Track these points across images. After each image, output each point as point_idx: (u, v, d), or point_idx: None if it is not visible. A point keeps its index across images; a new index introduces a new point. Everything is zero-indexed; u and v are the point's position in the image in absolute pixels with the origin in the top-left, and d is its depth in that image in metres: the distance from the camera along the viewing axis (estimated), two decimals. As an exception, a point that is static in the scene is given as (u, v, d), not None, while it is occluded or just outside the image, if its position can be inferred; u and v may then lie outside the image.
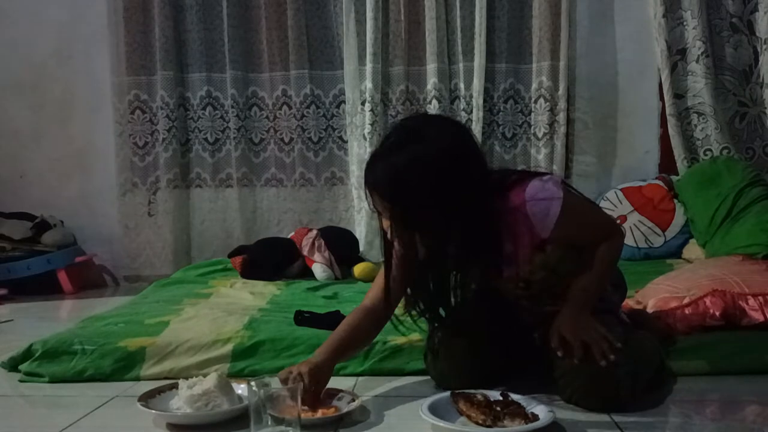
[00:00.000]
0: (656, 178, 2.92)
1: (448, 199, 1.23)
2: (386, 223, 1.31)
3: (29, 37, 3.19)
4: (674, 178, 2.92)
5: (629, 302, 1.72)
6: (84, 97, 3.19)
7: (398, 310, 1.45)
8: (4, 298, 2.74)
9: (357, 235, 2.95)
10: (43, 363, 1.57)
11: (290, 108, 3.11)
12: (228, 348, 1.58)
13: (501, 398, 1.21)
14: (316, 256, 2.59)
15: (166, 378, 1.50)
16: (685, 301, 1.66)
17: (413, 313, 1.42)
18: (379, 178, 1.27)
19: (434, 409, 1.18)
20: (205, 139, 3.15)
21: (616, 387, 1.25)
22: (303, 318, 1.77)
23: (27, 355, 1.61)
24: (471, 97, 3.01)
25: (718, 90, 2.93)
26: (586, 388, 1.27)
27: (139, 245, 3.16)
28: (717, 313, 1.62)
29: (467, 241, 1.28)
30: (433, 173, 1.22)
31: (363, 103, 3.04)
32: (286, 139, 3.13)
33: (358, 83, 3.05)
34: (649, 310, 1.68)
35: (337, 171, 3.15)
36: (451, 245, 1.30)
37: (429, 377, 1.46)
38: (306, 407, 1.22)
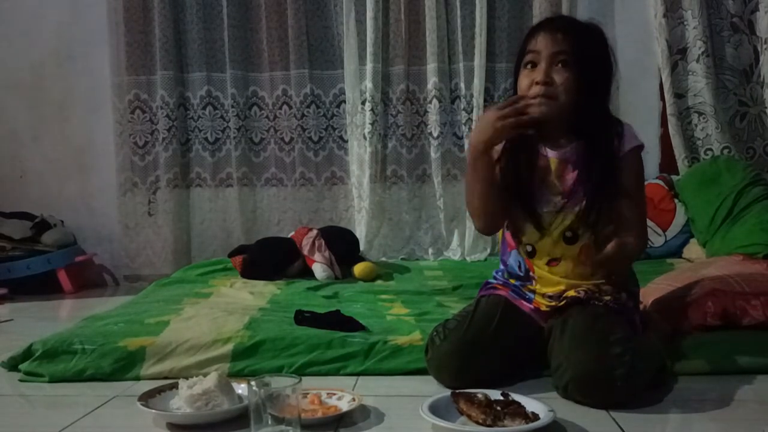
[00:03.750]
0: (657, 178, 2.92)
1: (609, 74, 1.46)
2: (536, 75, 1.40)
3: (29, 37, 3.20)
4: (675, 177, 2.92)
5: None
6: (84, 96, 3.20)
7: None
8: (4, 298, 2.74)
9: (357, 235, 2.95)
10: (43, 363, 1.57)
11: (290, 107, 3.11)
12: (228, 348, 1.58)
13: (501, 398, 1.21)
14: (317, 256, 2.59)
15: (166, 378, 1.50)
16: (686, 300, 1.66)
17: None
18: (576, 21, 1.52)
19: (435, 409, 1.18)
20: (205, 139, 3.15)
21: (611, 379, 1.25)
22: (303, 317, 1.77)
23: (27, 354, 1.60)
24: (471, 96, 3.01)
25: (719, 89, 2.93)
26: (580, 379, 1.28)
27: (139, 245, 3.16)
28: (717, 313, 1.62)
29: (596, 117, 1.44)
30: (610, 52, 1.47)
31: (363, 103, 3.05)
32: (287, 139, 3.13)
33: (358, 83, 3.05)
34: (650, 309, 1.68)
35: (337, 170, 3.16)
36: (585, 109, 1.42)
37: (429, 376, 1.46)
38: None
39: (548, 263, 1.48)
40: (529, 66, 1.43)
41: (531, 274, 1.51)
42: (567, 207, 1.45)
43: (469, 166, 1.46)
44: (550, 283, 1.49)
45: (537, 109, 1.40)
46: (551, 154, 1.47)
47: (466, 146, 3.03)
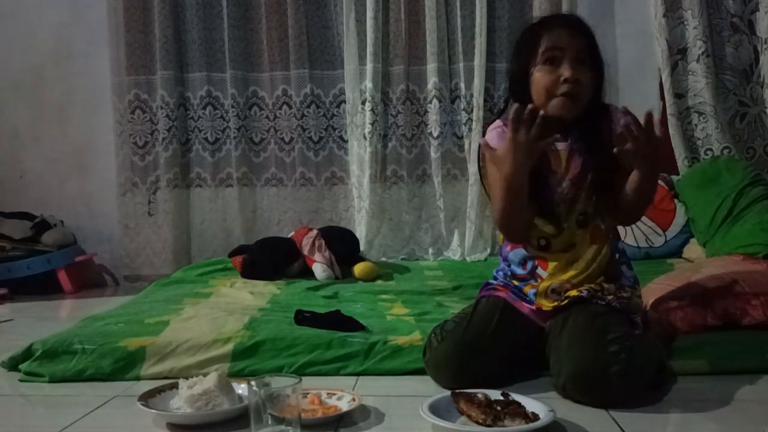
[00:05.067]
0: (657, 178, 2.92)
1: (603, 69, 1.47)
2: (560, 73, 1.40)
3: (29, 37, 3.20)
4: (675, 177, 2.91)
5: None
6: (84, 97, 3.20)
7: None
8: (4, 298, 2.74)
9: (357, 235, 2.95)
10: (43, 362, 1.57)
11: (290, 107, 3.11)
12: (228, 347, 1.58)
13: (501, 398, 1.21)
14: (317, 256, 2.59)
15: (166, 378, 1.50)
16: (686, 300, 1.66)
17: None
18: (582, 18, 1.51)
19: (435, 409, 1.18)
20: (206, 139, 3.15)
21: (607, 377, 1.25)
22: (303, 317, 1.77)
23: (27, 354, 1.61)
24: (471, 96, 3.01)
25: (719, 89, 2.93)
26: (576, 377, 1.28)
27: (139, 245, 3.16)
28: (717, 313, 1.62)
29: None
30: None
31: (363, 103, 3.05)
32: (287, 139, 3.13)
33: (358, 83, 3.05)
34: (650, 309, 1.68)
35: (337, 170, 3.16)
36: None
37: (429, 377, 1.46)
38: None
39: (564, 251, 1.49)
40: (547, 63, 1.41)
41: (537, 271, 1.51)
42: (577, 193, 1.47)
43: (510, 191, 1.39)
44: (559, 274, 1.48)
45: (559, 109, 1.40)
46: (561, 147, 1.49)
47: (467, 147, 3.03)
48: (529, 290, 1.51)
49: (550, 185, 1.48)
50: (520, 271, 1.53)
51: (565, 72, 1.38)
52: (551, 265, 1.49)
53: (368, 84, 3.02)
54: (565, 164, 1.48)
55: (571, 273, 1.47)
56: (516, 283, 1.54)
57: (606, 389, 1.26)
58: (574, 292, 1.44)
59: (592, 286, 1.45)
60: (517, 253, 1.54)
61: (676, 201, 2.83)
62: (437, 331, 1.47)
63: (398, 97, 3.08)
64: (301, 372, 1.50)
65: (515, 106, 1.35)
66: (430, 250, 3.10)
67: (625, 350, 1.28)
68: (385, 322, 1.82)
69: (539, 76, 1.42)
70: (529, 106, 1.34)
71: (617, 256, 1.51)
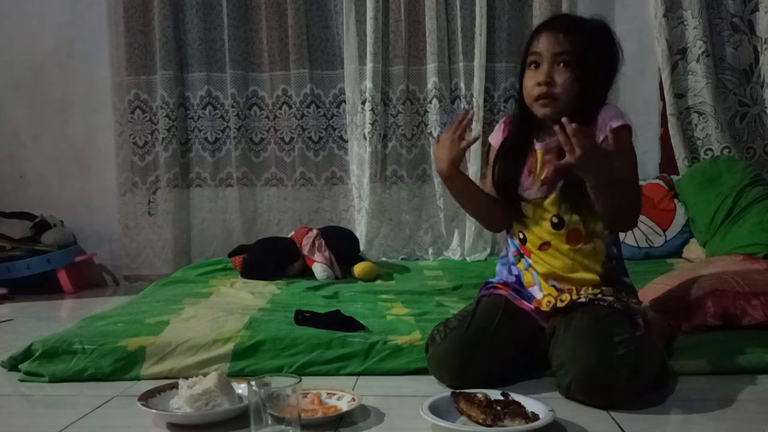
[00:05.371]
0: (657, 178, 2.92)
1: (611, 73, 1.48)
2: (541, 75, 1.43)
3: (29, 37, 3.20)
4: (675, 177, 2.92)
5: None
6: (84, 97, 3.20)
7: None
8: (4, 298, 2.74)
9: (357, 235, 2.95)
10: (43, 362, 1.57)
11: (290, 107, 3.11)
12: (228, 347, 1.58)
13: (501, 398, 1.21)
14: (317, 256, 2.59)
15: (166, 377, 1.50)
16: (686, 300, 1.66)
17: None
18: (578, 19, 1.53)
19: (435, 409, 1.18)
20: (205, 139, 3.15)
21: (615, 381, 1.25)
22: (303, 317, 1.77)
23: (27, 354, 1.61)
24: (471, 96, 3.01)
25: (719, 89, 2.93)
26: (582, 380, 1.28)
27: (139, 245, 3.16)
28: (717, 313, 1.62)
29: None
30: (616, 48, 1.47)
31: (363, 103, 3.05)
32: (287, 139, 3.13)
33: (358, 83, 3.05)
34: (649, 309, 1.68)
35: (337, 170, 3.16)
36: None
37: (429, 377, 1.46)
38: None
39: (539, 248, 1.50)
40: (532, 66, 1.47)
41: (524, 259, 1.54)
42: (549, 194, 1.48)
43: (448, 188, 1.55)
44: (545, 265, 1.50)
45: (540, 111, 1.45)
46: (538, 147, 1.51)
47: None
48: (531, 287, 1.52)
49: (523, 184, 1.51)
50: (515, 253, 1.56)
51: (539, 76, 1.44)
52: (533, 257, 1.52)
53: (368, 84, 3.02)
54: (540, 164, 1.50)
55: (553, 269, 1.49)
56: (521, 266, 1.55)
57: (613, 392, 1.27)
58: (573, 296, 1.44)
59: (591, 290, 1.45)
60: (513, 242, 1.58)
61: (676, 201, 2.83)
62: (440, 328, 1.47)
63: (398, 97, 3.08)
64: (301, 372, 1.50)
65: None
66: (430, 250, 3.10)
67: (633, 353, 1.28)
68: (385, 322, 1.82)
69: (525, 80, 1.49)
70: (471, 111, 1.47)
71: (614, 262, 1.50)
